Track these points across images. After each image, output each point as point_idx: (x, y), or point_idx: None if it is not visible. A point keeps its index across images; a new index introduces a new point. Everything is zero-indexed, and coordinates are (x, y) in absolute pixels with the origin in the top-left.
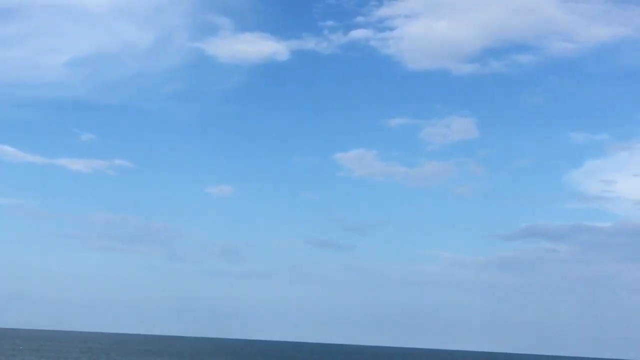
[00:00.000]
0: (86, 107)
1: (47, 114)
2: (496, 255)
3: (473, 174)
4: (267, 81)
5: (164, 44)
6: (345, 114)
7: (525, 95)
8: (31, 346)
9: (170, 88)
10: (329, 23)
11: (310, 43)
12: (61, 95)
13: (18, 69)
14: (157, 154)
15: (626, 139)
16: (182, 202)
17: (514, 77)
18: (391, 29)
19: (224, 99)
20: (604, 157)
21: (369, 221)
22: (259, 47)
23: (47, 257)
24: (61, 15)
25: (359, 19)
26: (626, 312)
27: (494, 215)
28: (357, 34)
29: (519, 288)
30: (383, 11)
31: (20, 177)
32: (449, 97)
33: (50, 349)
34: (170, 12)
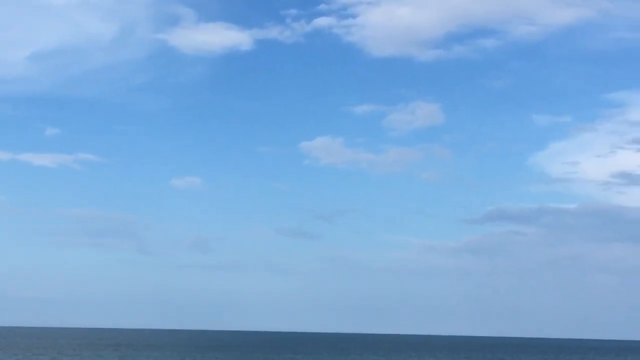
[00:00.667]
0: (50, 101)
1: (10, 109)
2: (464, 240)
3: (439, 159)
4: (232, 71)
5: (128, 36)
6: (310, 103)
7: (490, 79)
8: (1, 343)
9: (135, 80)
10: (292, 11)
11: (273, 32)
12: (24, 90)
13: None
14: (124, 147)
15: (589, 121)
16: (150, 194)
17: (478, 61)
18: (354, 16)
19: (189, 91)
20: (567, 139)
21: (336, 209)
22: (222, 37)
23: (15, 254)
24: (22, 9)
25: (322, 6)
26: (595, 292)
27: (461, 200)
28: (320, 22)
29: (488, 271)
30: None
31: None
32: (413, 83)
33: (20, 346)
34: (132, 3)
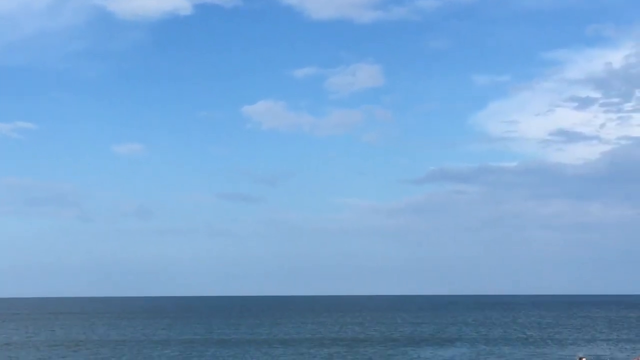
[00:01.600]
0: None
1: None
2: (407, 200)
3: (380, 121)
4: (171, 36)
5: (64, 2)
6: (250, 67)
7: (429, 40)
8: None
9: (71, 47)
10: None
11: None
12: None
13: None
14: (62, 115)
15: (527, 80)
16: (90, 162)
17: (417, 22)
18: None
19: (128, 56)
20: (506, 99)
21: (279, 172)
22: (161, 2)
23: None
24: None
25: None
26: (536, 248)
27: (403, 160)
28: None
29: (430, 231)
30: None
31: None
32: (353, 45)
33: None
34: None
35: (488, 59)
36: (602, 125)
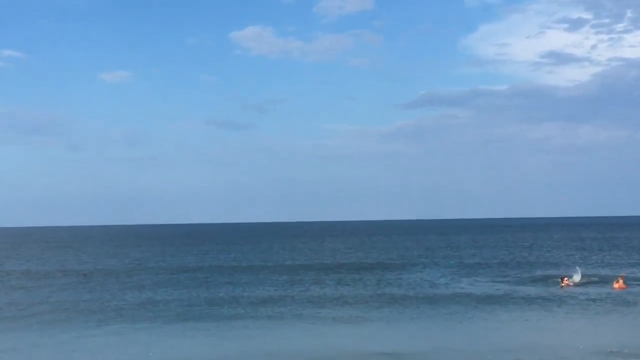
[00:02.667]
0: None
1: None
2: (398, 125)
3: (370, 45)
4: None
5: None
6: None
7: None
8: None
9: None
10: None
11: None
12: None
13: None
14: (48, 42)
15: (518, 2)
16: (78, 90)
17: None
18: None
19: None
20: (497, 21)
21: (268, 99)
22: None
23: None
24: None
25: None
26: (526, 172)
27: (393, 85)
28: None
29: (421, 155)
30: None
31: None
32: None
33: None
34: None
35: None
36: (594, 47)
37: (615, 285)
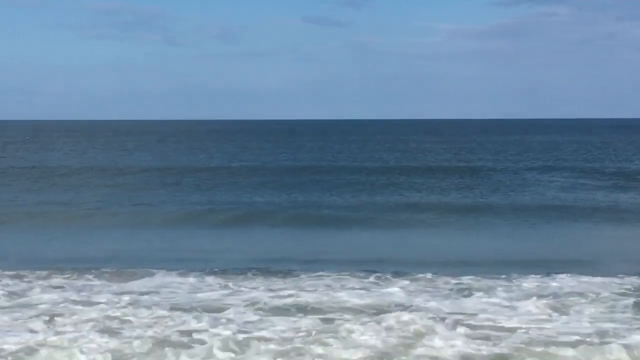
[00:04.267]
0: None
1: None
2: (496, 23)
3: None
4: None
5: None
6: None
7: None
8: (37, 136)
9: None
10: None
11: None
12: None
13: None
14: None
15: None
16: None
17: None
18: None
19: None
20: None
21: None
22: None
23: (42, 49)
24: None
25: None
26: (628, 70)
27: None
28: None
29: (521, 54)
30: None
31: None
32: None
33: (53, 140)
34: None
35: None
36: None
37: None
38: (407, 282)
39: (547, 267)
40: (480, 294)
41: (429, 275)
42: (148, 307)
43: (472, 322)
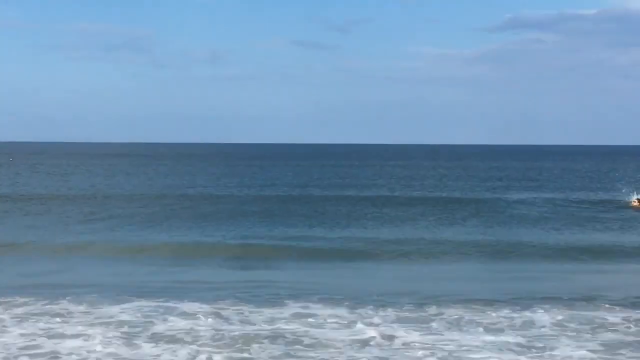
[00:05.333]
0: None
1: None
2: (481, 48)
3: None
4: None
5: None
6: None
7: None
8: (22, 158)
9: None
10: None
11: None
12: None
13: None
14: None
15: None
16: (164, 7)
17: None
18: None
19: None
20: None
21: (351, 20)
22: None
23: (28, 70)
24: None
25: None
26: (614, 98)
27: (478, 8)
28: None
29: (507, 80)
30: None
31: None
32: None
33: (40, 162)
34: None
35: None
36: None
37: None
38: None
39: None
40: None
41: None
42: None
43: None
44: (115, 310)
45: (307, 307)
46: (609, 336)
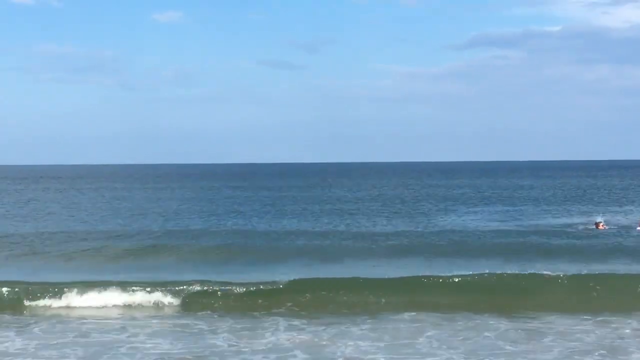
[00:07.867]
0: None
1: None
2: (448, 66)
3: None
4: None
5: None
6: None
7: None
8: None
9: None
10: None
11: None
12: None
13: None
14: None
15: None
16: (130, 30)
17: None
18: None
19: None
20: None
21: (319, 39)
22: None
23: None
24: None
25: None
26: (578, 114)
27: (444, 26)
28: None
29: (473, 97)
30: None
31: None
32: None
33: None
34: None
35: None
36: None
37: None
38: None
39: None
40: None
41: None
42: None
43: None
44: None
45: None
46: None
